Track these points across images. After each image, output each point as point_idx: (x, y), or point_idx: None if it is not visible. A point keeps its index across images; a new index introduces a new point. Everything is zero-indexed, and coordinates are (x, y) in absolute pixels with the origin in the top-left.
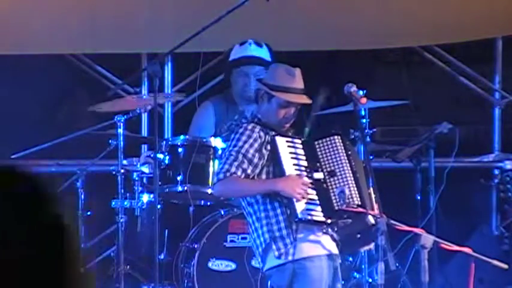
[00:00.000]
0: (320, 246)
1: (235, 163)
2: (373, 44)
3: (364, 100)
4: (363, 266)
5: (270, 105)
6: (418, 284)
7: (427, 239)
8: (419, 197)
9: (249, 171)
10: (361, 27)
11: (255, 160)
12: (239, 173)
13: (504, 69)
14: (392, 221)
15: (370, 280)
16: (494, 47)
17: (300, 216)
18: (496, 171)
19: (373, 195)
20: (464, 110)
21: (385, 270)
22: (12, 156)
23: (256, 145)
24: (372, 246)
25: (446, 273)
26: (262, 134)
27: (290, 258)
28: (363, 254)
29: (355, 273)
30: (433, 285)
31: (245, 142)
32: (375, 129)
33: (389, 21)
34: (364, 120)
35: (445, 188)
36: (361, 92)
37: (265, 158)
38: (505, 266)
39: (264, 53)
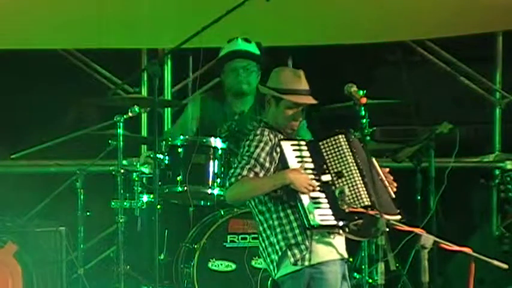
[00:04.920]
0: (334, 251)
1: (247, 166)
2: (371, 38)
3: (364, 100)
4: (363, 266)
5: (278, 108)
6: (418, 284)
7: (427, 239)
8: (419, 197)
9: (261, 175)
10: (359, 22)
11: (267, 164)
12: (251, 175)
13: (504, 69)
14: (393, 221)
15: (370, 280)
16: (494, 47)
17: (312, 223)
18: (497, 172)
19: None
20: (464, 110)
21: (385, 271)
22: (12, 156)
23: (267, 148)
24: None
25: (446, 273)
26: (271, 136)
27: (307, 263)
28: (363, 254)
29: (355, 274)
30: (433, 285)
31: (256, 147)
32: (375, 129)
33: (387, 16)
34: (364, 120)
35: (445, 188)
36: (361, 92)
37: (276, 161)
38: (505, 266)
39: (252, 48)
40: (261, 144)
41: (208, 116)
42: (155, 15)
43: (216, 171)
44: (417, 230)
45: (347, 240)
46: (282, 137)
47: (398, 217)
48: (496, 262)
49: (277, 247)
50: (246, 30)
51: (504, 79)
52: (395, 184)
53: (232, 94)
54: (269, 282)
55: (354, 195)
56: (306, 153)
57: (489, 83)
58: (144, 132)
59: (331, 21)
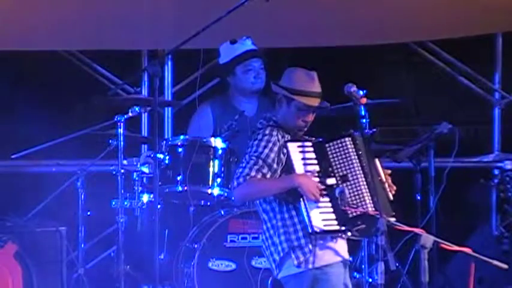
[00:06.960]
0: (337, 253)
1: (255, 167)
2: (372, 39)
3: (364, 100)
4: (363, 266)
5: (288, 109)
6: (418, 284)
7: (427, 239)
8: (419, 197)
9: (268, 176)
10: (360, 23)
11: (274, 166)
12: (259, 176)
13: (504, 69)
14: (393, 221)
15: (370, 280)
16: (494, 47)
17: (315, 229)
18: (496, 171)
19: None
20: (464, 110)
21: (385, 270)
22: (12, 156)
23: (275, 148)
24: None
25: (446, 273)
26: (280, 137)
27: (310, 266)
28: (362, 254)
29: (355, 273)
30: (433, 285)
31: (265, 147)
32: (375, 129)
33: (386, 17)
34: (364, 120)
35: (445, 188)
36: (361, 92)
37: (283, 163)
38: (505, 266)
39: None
40: (270, 145)
41: (220, 122)
42: (155, 15)
43: (216, 171)
44: (417, 230)
45: (347, 239)
46: (289, 137)
47: (393, 219)
48: (496, 262)
49: (280, 248)
50: (246, 30)
51: (504, 79)
52: (394, 187)
53: (246, 93)
54: (269, 282)
55: (358, 201)
56: (312, 155)
57: (489, 83)
58: (144, 132)
59: (331, 23)
